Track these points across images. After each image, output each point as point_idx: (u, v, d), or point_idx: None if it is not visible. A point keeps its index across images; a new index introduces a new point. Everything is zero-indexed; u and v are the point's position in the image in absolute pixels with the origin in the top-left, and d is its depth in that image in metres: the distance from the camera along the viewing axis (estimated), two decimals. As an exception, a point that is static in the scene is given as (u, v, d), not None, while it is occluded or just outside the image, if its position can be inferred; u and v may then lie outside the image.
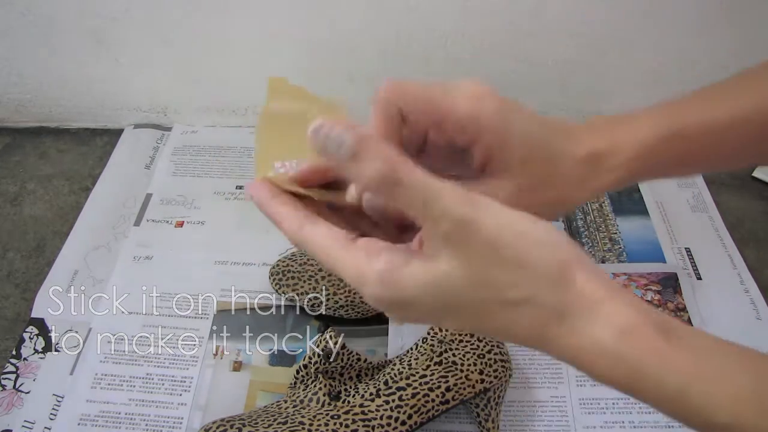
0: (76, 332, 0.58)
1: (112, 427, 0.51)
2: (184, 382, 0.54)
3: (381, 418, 0.43)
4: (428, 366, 0.45)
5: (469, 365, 0.46)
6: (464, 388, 0.45)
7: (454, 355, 0.46)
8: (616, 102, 0.77)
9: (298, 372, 0.48)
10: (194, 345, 0.57)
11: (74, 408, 0.52)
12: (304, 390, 0.47)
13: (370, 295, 0.24)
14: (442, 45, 0.70)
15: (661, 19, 0.68)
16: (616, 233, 0.69)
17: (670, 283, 0.63)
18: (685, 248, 0.67)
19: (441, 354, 0.46)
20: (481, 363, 0.46)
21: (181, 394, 0.53)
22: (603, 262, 0.65)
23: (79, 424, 0.51)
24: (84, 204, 0.70)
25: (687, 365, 0.24)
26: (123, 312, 0.59)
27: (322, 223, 0.26)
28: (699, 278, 0.64)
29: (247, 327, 0.58)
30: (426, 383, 0.44)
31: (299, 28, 0.70)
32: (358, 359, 0.47)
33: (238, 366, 0.55)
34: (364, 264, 0.24)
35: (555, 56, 0.71)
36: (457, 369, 0.45)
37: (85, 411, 0.52)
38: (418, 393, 0.44)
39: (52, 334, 0.57)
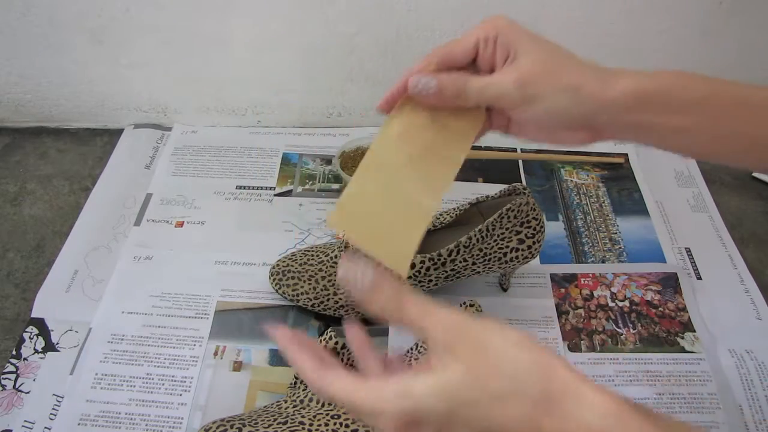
0: (76, 332, 0.58)
1: (112, 427, 0.51)
2: (184, 382, 0.54)
3: None
4: None
5: None
6: None
7: None
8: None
9: None
10: (194, 345, 0.57)
11: (74, 408, 0.52)
12: (304, 390, 0.47)
13: (389, 415, 0.27)
14: (442, 45, 0.70)
15: (662, 21, 0.68)
16: (616, 233, 0.69)
17: (670, 283, 0.63)
18: (685, 248, 0.67)
19: None
20: None
21: (181, 394, 0.53)
22: (603, 262, 0.65)
23: (79, 424, 0.51)
24: (84, 204, 0.70)
25: None
26: (123, 312, 0.59)
27: (339, 368, 0.30)
28: (699, 278, 0.64)
29: (247, 327, 0.58)
30: None
31: (299, 28, 0.70)
32: None
33: (238, 366, 0.55)
34: (381, 389, 0.28)
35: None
36: None
37: (85, 411, 0.52)
38: None
39: (52, 334, 0.57)
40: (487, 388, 0.27)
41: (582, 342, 0.58)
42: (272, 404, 0.48)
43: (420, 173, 0.37)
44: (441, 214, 0.56)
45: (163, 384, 0.54)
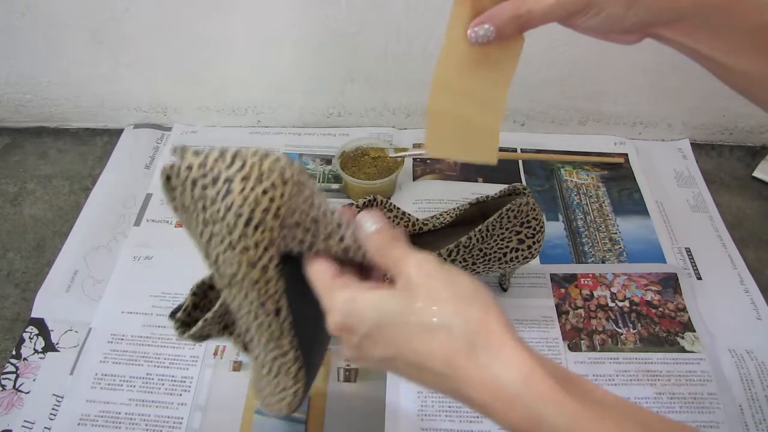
0: (76, 332, 0.58)
1: (112, 427, 0.51)
2: (184, 382, 0.54)
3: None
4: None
5: None
6: None
7: None
8: (615, 102, 0.77)
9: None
10: (194, 345, 0.57)
11: (74, 408, 0.52)
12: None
13: (334, 315, 0.31)
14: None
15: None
16: (616, 233, 0.69)
17: (670, 283, 0.63)
18: (685, 248, 0.67)
19: None
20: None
21: (181, 394, 0.53)
22: (603, 262, 0.65)
23: (79, 424, 0.51)
24: (84, 204, 0.70)
25: (578, 411, 0.25)
26: (123, 312, 0.59)
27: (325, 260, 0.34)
28: (699, 278, 0.64)
29: (247, 327, 0.58)
30: None
31: (299, 27, 0.70)
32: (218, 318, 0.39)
33: (238, 366, 0.55)
34: (339, 293, 0.31)
35: (555, 56, 0.71)
36: None
37: (85, 411, 0.52)
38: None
39: (52, 334, 0.57)
40: (419, 316, 0.28)
41: (582, 342, 0.58)
42: None
43: (483, 72, 0.39)
44: (441, 214, 0.56)
45: (163, 384, 0.54)
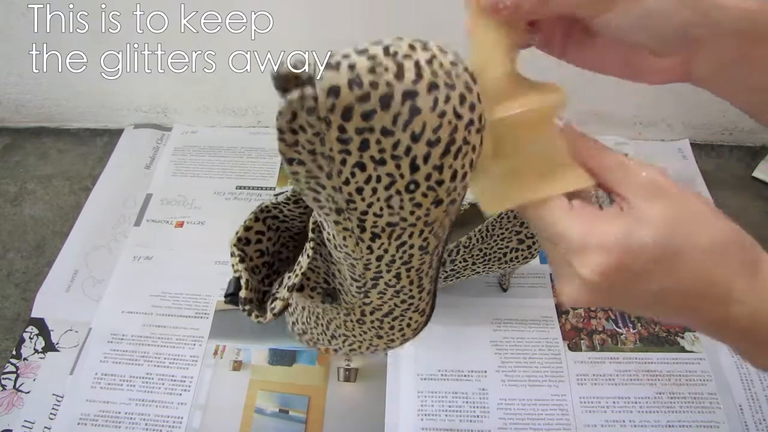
0: (76, 332, 0.58)
1: (112, 426, 0.51)
2: (184, 381, 0.54)
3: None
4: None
5: None
6: None
7: None
8: (615, 102, 0.77)
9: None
10: (194, 344, 0.57)
11: (74, 408, 0.52)
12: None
13: (606, 255, 0.25)
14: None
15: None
16: (616, 233, 0.68)
17: (670, 283, 0.63)
18: (685, 248, 0.67)
19: None
20: None
21: (180, 394, 0.53)
22: (603, 261, 0.65)
23: (79, 423, 0.51)
24: (84, 204, 0.70)
25: None
26: (123, 312, 0.59)
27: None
28: (699, 278, 0.64)
29: (247, 327, 0.58)
30: None
31: (300, 28, 0.70)
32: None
33: (237, 365, 0.55)
34: (602, 225, 0.26)
35: (554, 57, 0.71)
36: None
37: (85, 411, 0.52)
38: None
39: (52, 334, 0.57)
40: (697, 237, 0.26)
41: (582, 342, 0.58)
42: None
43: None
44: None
45: (163, 384, 0.54)
